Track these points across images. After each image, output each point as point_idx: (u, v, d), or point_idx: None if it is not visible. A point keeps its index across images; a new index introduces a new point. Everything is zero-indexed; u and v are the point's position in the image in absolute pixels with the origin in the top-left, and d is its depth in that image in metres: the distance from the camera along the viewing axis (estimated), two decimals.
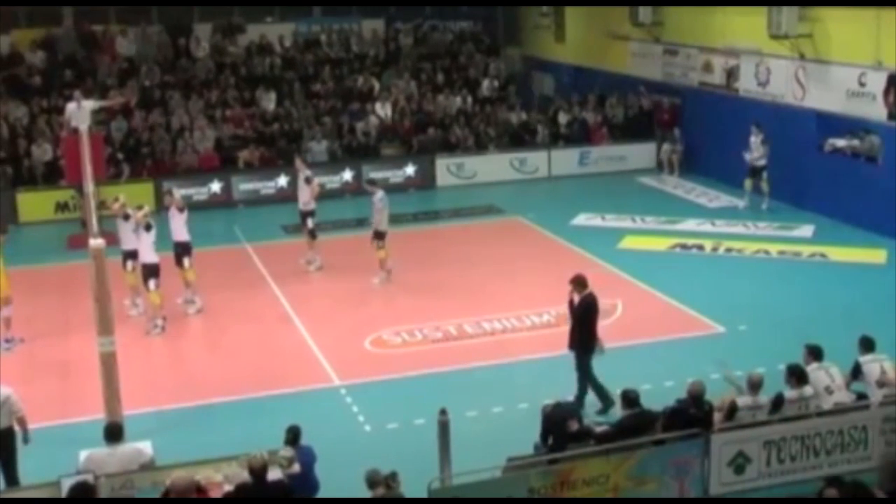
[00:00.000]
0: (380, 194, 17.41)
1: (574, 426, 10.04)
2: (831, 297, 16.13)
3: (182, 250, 16.28)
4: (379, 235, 17.36)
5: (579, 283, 12.39)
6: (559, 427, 10.03)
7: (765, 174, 21.01)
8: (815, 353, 10.89)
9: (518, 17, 32.79)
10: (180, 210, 16.29)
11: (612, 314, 15.56)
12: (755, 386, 10.40)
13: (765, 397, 10.39)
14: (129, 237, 15.83)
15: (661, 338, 14.71)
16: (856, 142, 19.71)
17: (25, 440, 10.55)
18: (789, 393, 10.46)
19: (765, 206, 21.15)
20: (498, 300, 16.38)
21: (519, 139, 25.88)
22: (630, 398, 10.16)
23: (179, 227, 16.25)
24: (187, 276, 16.39)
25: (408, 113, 26.06)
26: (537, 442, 10.34)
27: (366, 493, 8.99)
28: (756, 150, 21.03)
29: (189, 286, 16.46)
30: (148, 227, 15.42)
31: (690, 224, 20.58)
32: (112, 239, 15.11)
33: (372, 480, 8.83)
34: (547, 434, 10.16)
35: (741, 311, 15.44)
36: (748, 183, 21.27)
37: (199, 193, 23.13)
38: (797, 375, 10.56)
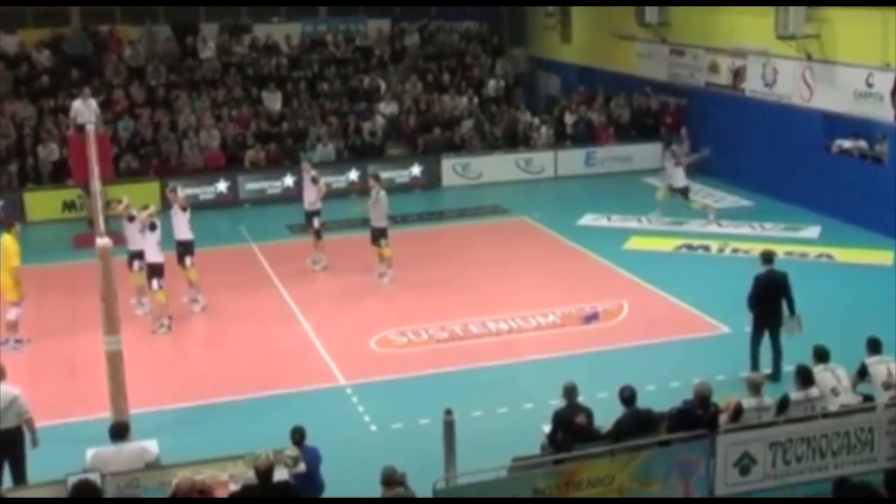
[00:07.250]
0: (381, 191, 17.48)
1: (582, 420, 10.04)
2: (838, 299, 16.07)
3: (184, 249, 16.25)
4: (382, 233, 17.40)
5: (763, 256, 13.32)
6: (567, 422, 10.02)
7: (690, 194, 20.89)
8: (822, 355, 10.87)
9: (524, 17, 32.76)
10: (183, 209, 16.26)
11: (617, 315, 15.61)
12: (755, 387, 10.39)
13: (770, 399, 10.38)
14: (136, 237, 15.83)
15: (667, 338, 14.70)
16: (862, 143, 19.68)
17: (34, 443, 10.48)
18: (795, 394, 10.45)
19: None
20: (503, 300, 16.36)
21: (519, 140, 25.85)
22: (625, 396, 10.12)
23: (182, 226, 16.22)
24: (189, 276, 16.38)
25: (413, 113, 26.06)
26: (543, 441, 10.33)
27: (372, 493, 8.99)
28: (673, 167, 20.76)
29: (192, 285, 16.47)
30: (152, 227, 15.42)
31: (696, 225, 20.55)
32: (119, 238, 15.10)
33: (389, 479, 8.75)
34: (555, 433, 10.14)
35: (746, 312, 15.38)
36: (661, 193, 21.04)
37: (205, 193, 23.16)
38: (803, 377, 10.55)
